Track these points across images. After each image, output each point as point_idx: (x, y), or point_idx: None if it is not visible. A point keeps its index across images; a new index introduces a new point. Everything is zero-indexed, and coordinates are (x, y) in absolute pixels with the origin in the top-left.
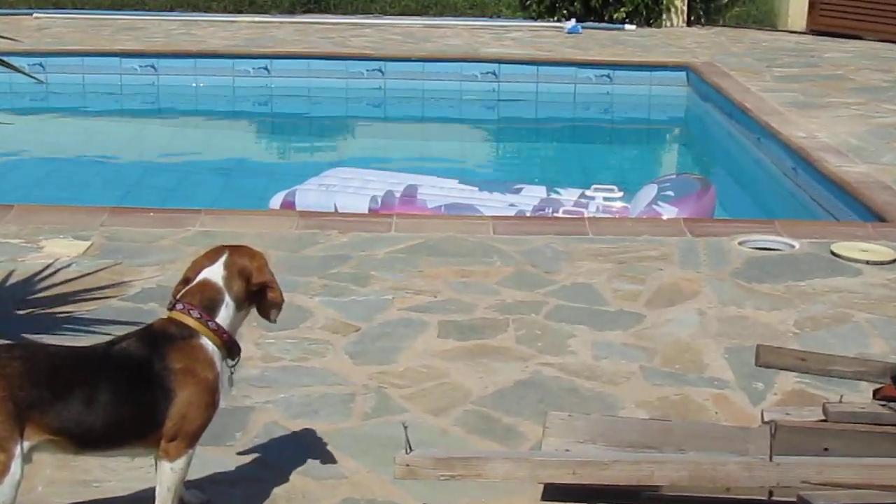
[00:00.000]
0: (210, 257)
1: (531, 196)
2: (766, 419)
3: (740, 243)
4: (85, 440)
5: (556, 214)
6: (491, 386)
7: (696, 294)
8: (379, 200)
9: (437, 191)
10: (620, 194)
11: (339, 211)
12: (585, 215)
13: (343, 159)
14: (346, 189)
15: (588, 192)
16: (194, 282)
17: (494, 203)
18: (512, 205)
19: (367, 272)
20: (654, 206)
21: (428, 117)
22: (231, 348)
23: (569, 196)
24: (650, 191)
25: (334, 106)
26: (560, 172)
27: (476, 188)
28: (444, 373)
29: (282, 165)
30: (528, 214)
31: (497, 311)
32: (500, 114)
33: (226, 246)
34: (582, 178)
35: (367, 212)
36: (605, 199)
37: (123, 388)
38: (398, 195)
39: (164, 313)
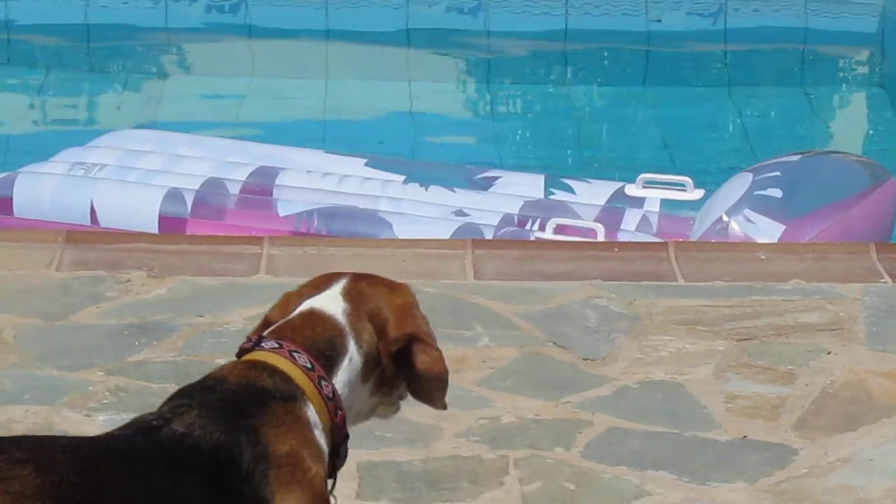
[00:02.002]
0: (315, 286)
1: (508, 194)
2: None
3: None
4: None
5: (541, 235)
6: None
7: None
8: (187, 199)
9: (317, 181)
10: (698, 194)
11: (97, 217)
12: (598, 236)
13: (151, 118)
14: (125, 174)
15: (631, 189)
16: (294, 312)
17: (425, 209)
18: (460, 212)
19: (211, 360)
20: (735, 220)
21: (335, 32)
22: (338, 442)
23: (590, 195)
24: (737, 187)
25: (137, 10)
26: (611, 147)
27: (402, 177)
28: None
29: (24, 127)
30: (487, 237)
31: (484, 440)
32: (488, 24)
33: (339, 273)
34: (656, 159)
35: (155, 221)
36: (665, 202)
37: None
38: (234, 188)
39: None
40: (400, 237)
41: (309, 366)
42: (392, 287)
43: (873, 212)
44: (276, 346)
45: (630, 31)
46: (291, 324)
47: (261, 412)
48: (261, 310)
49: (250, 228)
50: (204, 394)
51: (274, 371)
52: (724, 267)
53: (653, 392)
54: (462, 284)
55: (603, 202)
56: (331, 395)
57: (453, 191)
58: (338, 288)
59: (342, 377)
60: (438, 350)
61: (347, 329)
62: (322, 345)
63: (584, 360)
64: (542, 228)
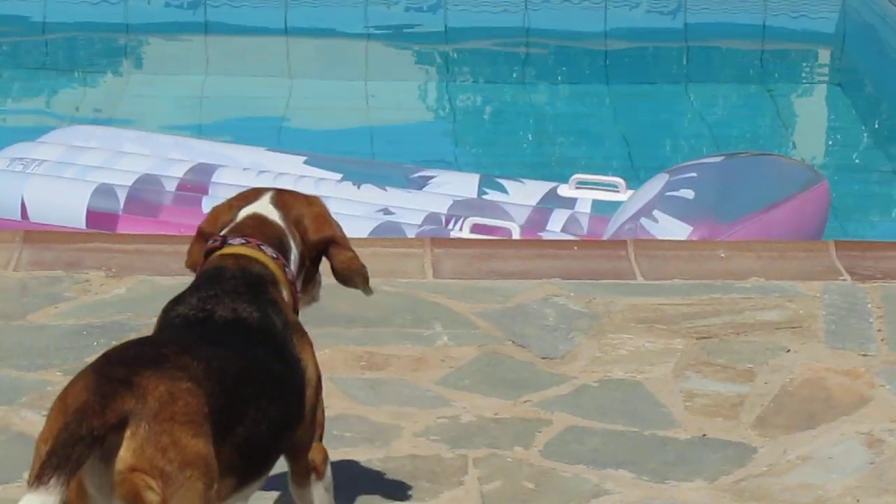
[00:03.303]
0: (245, 198)
1: (439, 193)
2: None
3: None
4: (251, 468)
5: (459, 234)
6: None
7: (863, 402)
8: (120, 195)
9: (252, 178)
10: (630, 195)
11: (28, 212)
12: (513, 235)
13: (109, 115)
14: (63, 169)
15: (563, 190)
16: (239, 217)
17: (351, 207)
18: (386, 211)
19: None
20: (643, 220)
21: (295, 29)
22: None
23: (523, 195)
24: (652, 188)
25: (95, 7)
26: (571, 144)
27: (339, 175)
28: None
29: None
30: (409, 235)
31: (443, 439)
32: (447, 21)
33: (261, 188)
34: (616, 156)
35: (83, 216)
36: (597, 204)
37: (278, 371)
38: (171, 185)
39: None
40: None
41: (275, 255)
42: (308, 198)
43: (797, 216)
44: (244, 241)
45: (590, 29)
46: (246, 224)
47: (267, 292)
48: None
49: (181, 226)
50: (219, 284)
51: (254, 260)
52: (684, 265)
53: (612, 391)
54: (421, 283)
55: (535, 202)
56: (293, 280)
57: (385, 189)
58: (267, 198)
59: (293, 269)
60: (353, 250)
61: (287, 231)
62: (276, 241)
63: (543, 358)
64: (460, 228)
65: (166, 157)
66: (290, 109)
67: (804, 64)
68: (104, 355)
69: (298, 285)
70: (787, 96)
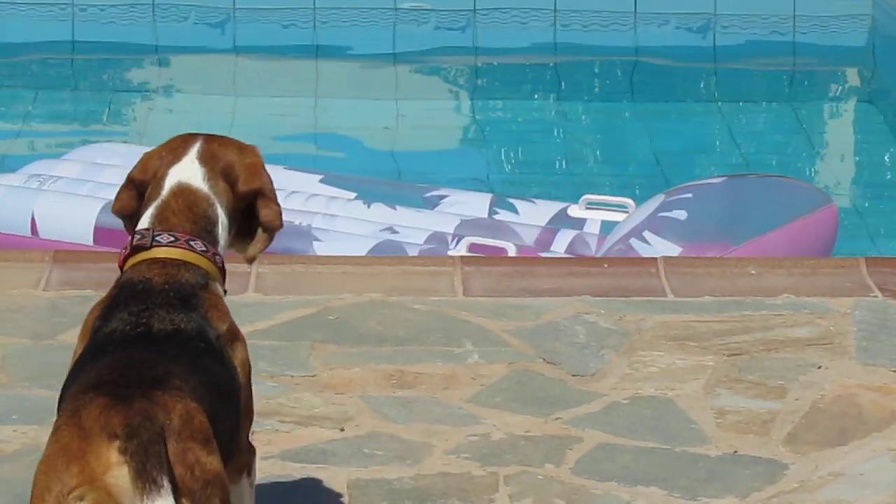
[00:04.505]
0: (172, 150)
1: (448, 213)
2: None
3: None
4: None
5: (459, 253)
6: None
7: (895, 418)
8: None
9: None
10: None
11: (38, 228)
12: (510, 253)
13: (139, 135)
14: (78, 186)
15: (573, 210)
16: (165, 189)
17: (356, 226)
18: (390, 229)
19: None
20: (633, 240)
21: (325, 47)
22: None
23: (533, 215)
24: (646, 208)
25: (124, 28)
26: (600, 163)
27: (353, 194)
28: None
29: (9, 147)
30: (412, 253)
31: (474, 457)
32: (476, 39)
33: (192, 134)
34: (645, 175)
35: (91, 232)
36: (605, 223)
37: (225, 379)
38: None
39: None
40: (329, 254)
41: (204, 248)
42: (242, 147)
43: (797, 240)
44: (173, 239)
45: (619, 47)
46: (170, 207)
47: (198, 303)
48: (251, 328)
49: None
50: (148, 298)
51: (183, 265)
52: (714, 282)
53: (643, 408)
54: (451, 301)
55: (544, 223)
56: (222, 265)
57: (394, 208)
58: (194, 152)
59: (222, 242)
60: (279, 205)
61: (213, 196)
62: (203, 222)
63: (574, 376)
64: (460, 245)
65: None
66: (319, 129)
67: (834, 81)
68: (92, 380)
69: (228, 240)
70: (817, 114)
